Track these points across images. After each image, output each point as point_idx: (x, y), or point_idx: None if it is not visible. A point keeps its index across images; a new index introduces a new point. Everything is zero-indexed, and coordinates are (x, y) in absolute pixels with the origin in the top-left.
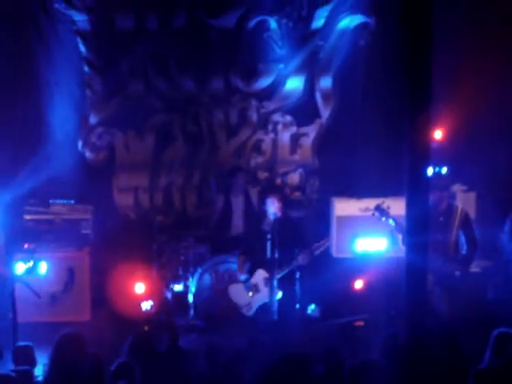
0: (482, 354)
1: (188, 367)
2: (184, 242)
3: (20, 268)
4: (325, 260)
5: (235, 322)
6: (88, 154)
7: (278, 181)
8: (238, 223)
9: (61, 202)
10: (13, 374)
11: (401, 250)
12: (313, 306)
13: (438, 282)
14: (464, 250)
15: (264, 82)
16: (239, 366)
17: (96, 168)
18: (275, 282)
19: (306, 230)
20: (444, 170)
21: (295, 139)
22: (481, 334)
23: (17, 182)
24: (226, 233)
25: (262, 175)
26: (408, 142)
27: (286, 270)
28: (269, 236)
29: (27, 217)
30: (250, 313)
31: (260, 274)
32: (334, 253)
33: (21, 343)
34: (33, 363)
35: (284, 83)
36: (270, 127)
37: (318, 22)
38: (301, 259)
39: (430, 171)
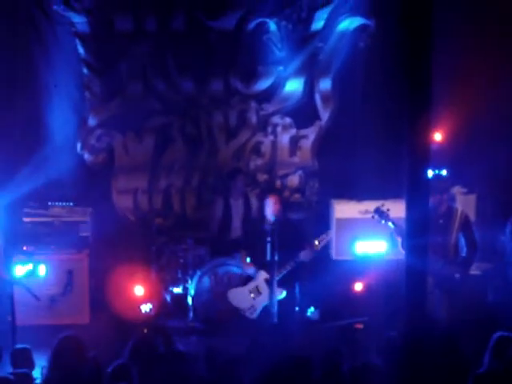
0: (481, 356)
1: (187, 370)
2: (183, 244)
3: (19, 270)
4: (324, 262)
5: (234, 324)
6: (87, 156)
7: (278, 183)
8: (237, 225)
9: (60, 204)
10: (11, 377)
11: (400, 253)
12: (312, 309)
13: (438, 284)
14: (464, 252)
15: (263, 84)
16: (238, 368)
17: (95, 170)
18: (276, 282)
19: (306, 232)
20: (444, 172)
21: (295, 141)
22: (481, 336)
23: (16, 184)
24: (225, 235)
25: (262, 177)
26: (408, 144)
27: (289, 268)
28: (268, 238)
29: (26, 219)
30: (255, 315)
31: (261, 276)
32: (334, 255)
33: (19, 346)
34: (31, 366)
35: (283, 85)
36: (270, 129)
37: (318, 24)
38: (303, 255)
39: (429, 173)
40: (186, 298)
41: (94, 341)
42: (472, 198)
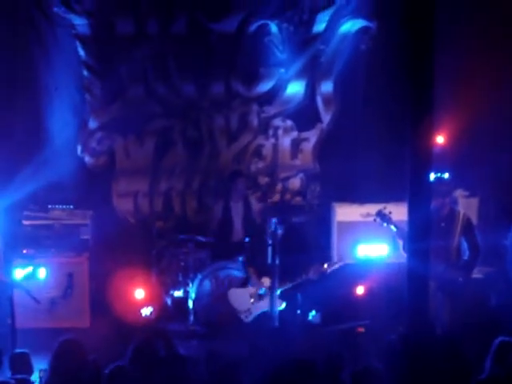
0: (484, 360)
1: (188, 374)
2: (184, 247)
3: (19, 273)
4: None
5: (235, 328)
6: (87, 159)
7: (279, 186)
8: (238, 229)
9: (60, 206)
10: (12, 382)
11: (402, 256)
12: (313, 312)
13: (441, 288)
14: (466, 255)
15: (265, 87)
16: (239, 372)
17: (95, 173)
18: (279, 294)
19: (308, 235)
20: (446, 175)
21: (296, 144)
22: (483, 340)
23: (16, 187)
24: (226, 238)
25: (263, 180)
26: (410, 146)
27: (295, 283)
28: (270, 242)
29: (26, 222)
30: (249, 319)
31: (264, 283)
32: (336, 258)
33: (17, 350)
34: (29, 371)
35: (285, 88)
36: (271, 132)
37: (320, 26)
38: (312, 274)
39: (432, 176)
40: (186, 301)
41: (94, 344)
42: (474, 201)
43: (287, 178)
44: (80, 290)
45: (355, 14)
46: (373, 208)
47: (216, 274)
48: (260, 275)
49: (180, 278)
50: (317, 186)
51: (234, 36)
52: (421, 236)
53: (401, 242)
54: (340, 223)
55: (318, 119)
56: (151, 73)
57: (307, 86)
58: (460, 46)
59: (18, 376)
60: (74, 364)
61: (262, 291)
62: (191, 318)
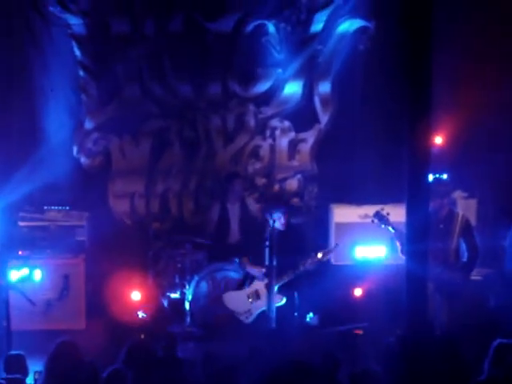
0: (482, 362)
1: (185, 376)
2: (181, 248)
3: (14, 275)
4: (324, 267)
5: (232, 330)
6: (83, 160)
7: (276, 187)
8: (235, 230)
9: (56, 208)
10: (3, 382)
11: (400, 258)
12: (311, 314)
13: (439, 289)
14: (465, 257)
15: (262, 87)
16: (237, 374)
17: (91, 173)
18: (277, 289)
19: (305, 236)
20: (444, 176)
21: (293, 145)
22: (482, 342)
23: (11, 188)
24: (223, 240)
25: (260, 181)
26: (408, 147)
27: (292, 276)
28: (267, 243)
29: (22, 223)
30: (250, 320)
31: (262, 281)
32: (333, 260)
33: (12, 352)
34: (25, 372)
35: (282, 88)
36: (268, 133)
37: (317, 26)
38: (308, 264)
39: (430, 177)
40: (183, 303)
41: (90, 346)
42: (473, 202)
43: (285, 179)
44: (76, 291)
45: (353, 14)
46: (371, 209)
47: (213, 275)
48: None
49: (177, 280)
50: (314, 187)
51: (231, 36)
52: (419, 237)
53: (399, 244)
54: (338, 224)
55: (316, 120)
56: (147, 73)
57: (305, 86)
58: (458, 45)
59: (10, 376)
60: (69, 366)
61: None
62: (188, 319)
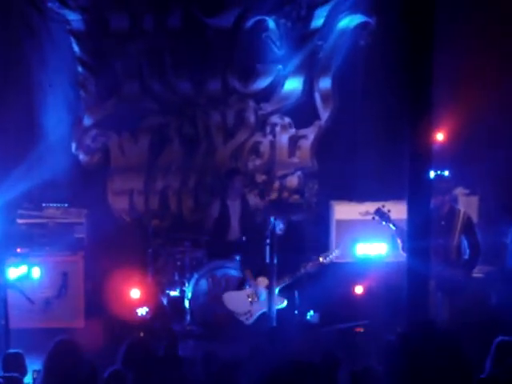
0: (484, 360)
1: (184, 374)
2: (180, 246)
3: (13, 273)
4: (324, 265)
5: (232, 328)
6: (82, 157)
7: (276, 184)
8: (235, 227)
9: (54, 205)
10: (1, 381)
11: (401, 255)
12: (312, 312)
13: (440, 286)
14: (466, 254)
15: (262, 83)
16: (237, 373)
17: (90, 170)
18: (278, 290)
19: (306, 234)
20: (446, 172)
21: (294, 141)
22: (483, 339)
23: (9, 185)
24: (222, 237)
25: (260, 178)
26: (409, 144)
27: (293, 279)
28: (268, 241)
29: (20, 220)
30: (250, 321)
31: (262, 282)
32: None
33: (11, 350)
34: (23, 371)
35: (282, 84)
36: (268, 129)
37: (318, 21)
38: (310, 267)
39: (431, 174)
40: (183, 301)
41: (89, 344)
42: (474, 199)
43: (285, 176)
44: (75, 289)
45: (354, 10)
46: (371, 206)
47: (213, 273)
48: (256, 275)
49: (176, 278)
50: (315, 184)
51: (231, 31)
52: (420, 234)
53: (400, 241)
54: (338, 222)
55: (316, 116)
56: (146, 69)
57: (305, 82)
58: (459, 44)
59: (8, 374)
60: (69, 364)
61: (262, 297)
62: (187, 317)
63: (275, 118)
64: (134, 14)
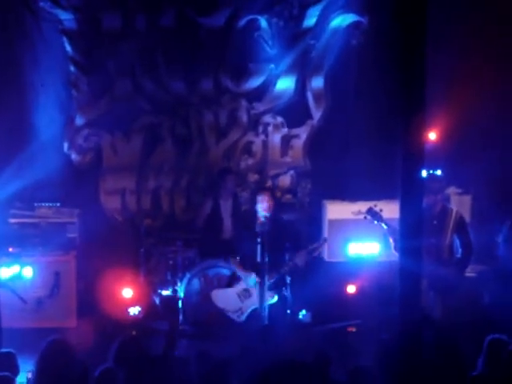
0: (477, 358)
1: (177, 374)
2: (172, 245)
3: (5, 272)
4: (317, 264)
5: (225, 327)
6: (74, 156)
7: (269, 183)
8: (227, 226)
9: (46, 204)
10: None
11: (393, 255)
12: (304, 311)
13: (433, 286)
14: (459, 253)
15: (254, 82)
16: (229, 372)
17: (82, 170)
18: (268, 286)
19: (298, 233)
20: (438, 172)
21: (286, 141)
22: (476, 338)
23: (1, 185)
24: (215, 236)
25: (253, 177)
26: (402, 143)
27: (282, 273)
28: (259, 239)
29: (12, 220)
30: (242, 319)
31: (251, 273)
32: (326, 257)
33: (3, 350)
34: (15, 371)
35: (275, 83)
36: (261, 129)
37: (310, 20)
38: (298, 260)
39: (424, 173)
40: (175, 300)
41: (81, 344)
42: (467, 198)
43: (277, 176)
44: (67, 289)
45: (346, 9)
46: (364, 206)
47: (205, 272)
48: (246, 270)
49: (168, 277)
50: (307, 184)
51: (223, 31)
52: (413, 234)
53: (392, 240)
54: (331, 221)
55: (309, 115)
56: (139, 68)
57: (297, 81)
58: (453, 44)
59: (0, 374)
60: (61, 364)
61: (252, 282)
62: (180, 317)
63: (268, 118)
64: (127, 14)
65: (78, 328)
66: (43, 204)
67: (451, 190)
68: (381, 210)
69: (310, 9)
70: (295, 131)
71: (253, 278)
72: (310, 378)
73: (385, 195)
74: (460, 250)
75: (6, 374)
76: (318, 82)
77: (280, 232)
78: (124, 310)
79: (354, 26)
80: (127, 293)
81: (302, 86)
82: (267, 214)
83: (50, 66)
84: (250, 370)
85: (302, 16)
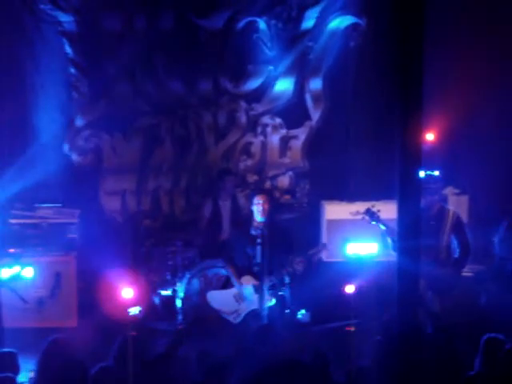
0: (474, 358)
1: (177, 374)
2: (172, 246)
3: (6, 273)
4: (315, 265)
5: (224, 327)
6: (74, 157)
7: (268, 184)
8: (226, 227)
9: (47, 205)
10: None
11: (392, 255)
12: (303, 311)
13: (430, 285)
14: (456, 253)
15: (253, 84)
16: (230, 372)
17: (83, 171)
18: (266, 289)
19: (296, 233)
20: (436, 172)
21: (285, 142)
22: (473, 338)
23: (2, 186)
24: (214, 237)
25: (251, 178)
26: (399, 144)
27: (281, 277)
28: (259, 240)
29: (13, 221)
30: (238, 320)
31: (246, 280)
32: (325, 257)
33: (4, 350)
34: (16, 370)
35: (273, 85)
36: (259, 130)
37: (308, 22)
38: (297, 266)
39: (421, 174)
40: (175, 300)
41: (81, 344)
42: (464, 199)
43: (276, 176)
44: (68, 289)
45: (344, 11)
46: (362, 206)
47: (204, 272)
48: (241, 275)
49: (168, 277)
50: (306, 184)
51: (222, 33)
52: (410, 234)
53: (389, 241)
54: (329, 221)
55: (307, 117)
56: (138, 70)
57: (296, 83)
58: (451, 45)
59: (2, 375)
60: (62, 363)
61: (247, 297)
62: (180, 317)
63: (266, 119)
64: (126, 16)
65: (79, 328)
66: (44, 205)
67: (449, 191)
68: (378, 211)
69: (308, 11)
70: (294, 132)
71: (248, 292)
72: (308, 377)
73: (383, 196)
74: (457, 250)
75: (9, 374)
76: (316, 84)
77: (277, 235)
78: (124, 309)
79: (352, 27)
80: (127, 293)
81: (300, 88)
82: (262, 219)
83: (50, 67)
84: (249, 369)
85: (300, 18)
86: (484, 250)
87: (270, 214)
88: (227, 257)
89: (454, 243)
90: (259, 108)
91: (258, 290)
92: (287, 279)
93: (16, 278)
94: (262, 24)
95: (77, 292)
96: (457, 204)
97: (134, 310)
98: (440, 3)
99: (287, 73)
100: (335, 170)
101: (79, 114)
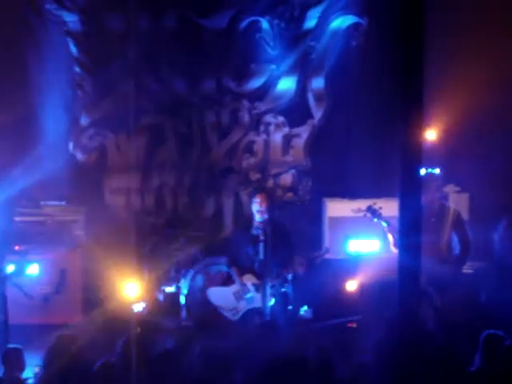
0: (474, 355)
1: (181, 370)
2: (176, 243)
3: (11, 270)
4: (318, 262)
5: (228, 324)
6: (79, 156)
7: (270, 182)
8: (229, 224)
9: (52, 203)
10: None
11: (393, 252)
12: (305, 308)
13: (431, 282)
14: (457, 250)
15: (256, 83)
16: (233, 368)
17: (87, 169)
18: (268, 287)
19: (298, 231)
20: (437, 170)
21: (287, 140)
22: (473, 335)
23: (8, 184)
24: (217, 234)
25: (254, 176)
26: (400, 142)
27: (282, 280)
28: (261, 238)
29: (18, 218)
30: (236, 318)
31: (248, 279)
32: (327, 254)
33: (10, 346)
34: (22, 366)
35: (276, 84)
36: (262, 128)
37: (310, 22)
38: (298, 268)
39: (422, 172)
40: (178, 296)
41: (86, 340)
42: (465, 196)
43: (279, 174)
44: (72, 285)
45: (346, 11)
46: (364, 203)
47: (208, 269)
48: (243, 273)
49: (172, 274)
50: (308, 182)
51: (225, 32)
52: (411, 231)
53: (391, 238)
54: (331, 219)
55: (310, 115)
56: (142, 69)
57: (298, 82)
58: (451, 42)
59: (7, 375)
60: (68, 359)
61: (248, 295)
62: (183, 313)
63: (269, 118)
64: (130, 15)
65: (83, 324)
66: (49, 202)
67: (449, 188)
68: (380, 208)
69: (310, 10)
70: (296, 131)
71: (249, 290)
72: (311, 373)
73: (384, 193)
74: (458, 248)
75: (15, 374)
76: (318, 83)
77: (278, 233)
78: (128, 306)
79: (354, 27)
80: (131, 289)
81: (302, 87)
82: (262, 219)
83: (55, 66)
84: (252, 366)
85: (302, 18)
86: (484, 247)
87: (270, 212)
88: (230, 256)
89: (455, 240)
90: (262, 107)
91: (260, 288)
92: (289, 276)
93: (22, 274)
94: (264, 24)
95: (81, 288)
96: (457, 202)
97: (138, 307)
98: (440, 3)
99: (290, 72)
100: (337, 168)
101: (84, 113)
